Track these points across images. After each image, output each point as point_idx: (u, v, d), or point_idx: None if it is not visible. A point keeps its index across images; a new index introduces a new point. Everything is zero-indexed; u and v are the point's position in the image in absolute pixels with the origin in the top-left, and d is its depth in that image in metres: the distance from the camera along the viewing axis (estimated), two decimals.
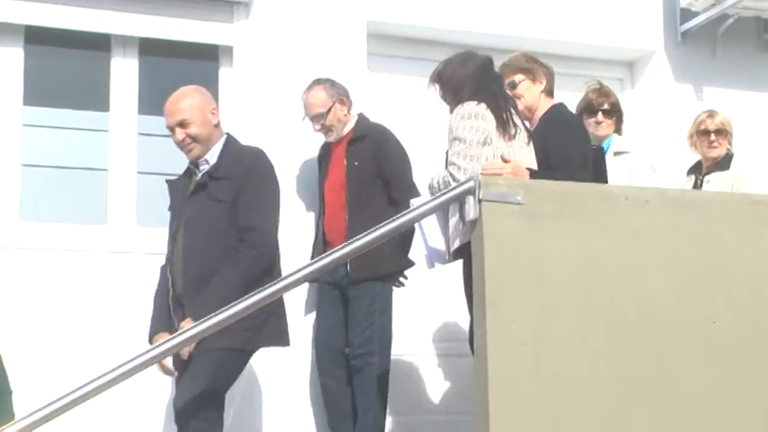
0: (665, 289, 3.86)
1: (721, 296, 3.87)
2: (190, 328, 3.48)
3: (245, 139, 5.43)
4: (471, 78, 4.29)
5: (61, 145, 5.46)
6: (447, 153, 4.25)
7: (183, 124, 4.19)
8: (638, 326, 3.81)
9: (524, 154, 4.25)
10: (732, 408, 3.82)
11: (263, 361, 4.81)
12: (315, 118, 5.11)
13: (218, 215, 4.11)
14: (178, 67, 5.66)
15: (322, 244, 5.08)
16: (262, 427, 5.18)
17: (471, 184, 3.73)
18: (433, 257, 4.39)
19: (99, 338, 4.95)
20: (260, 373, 5.14)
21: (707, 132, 5.30)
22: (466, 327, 5.08)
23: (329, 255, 3.67)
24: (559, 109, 4.62)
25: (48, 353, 4.93)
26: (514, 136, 4.21)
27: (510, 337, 3.67)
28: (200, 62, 5.70)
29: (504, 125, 4.19)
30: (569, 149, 4.44)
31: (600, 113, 5.12)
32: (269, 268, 4.10)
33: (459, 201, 3.85)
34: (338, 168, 5.08)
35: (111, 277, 5.10)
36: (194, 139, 4.20)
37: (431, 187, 4.29)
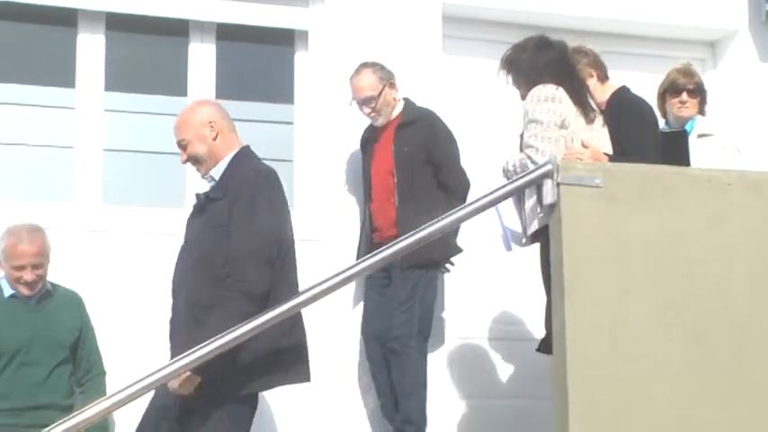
0: (744, 273, 3.85)
1: None
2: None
3: (320, 124, 5.58)
4: (551, 64, 4.27)
5: (142, 130, 5.56)
6: (521, 137, 4.25)
7: (181, 145, 4.01)
8: (716, 310, 3.81)
9: (601, 138, 4.24)
10: None
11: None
12: (364, 101, 5.09)
13: (212, 242, 3.85)
14: (255, 51, 5.75)
15: (369, 230, 5.08)
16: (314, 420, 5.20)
17: (549, 167, 3.78)
18: (511, 240, 4.41)
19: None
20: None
21: None
22: (530, 311, 5.12)
23: (392, 246, 3.70)
24: (624, 94, 4.62)
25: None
26: (593, 120, 4.21)
27: (588, 320, 3.70)
28: (275, 47, 5.74)
29: (584, 109, 4.20)
30: (640, 134, 4.45)
31: (684, 93, 5.06)
32: (262, 299, 3.74)
33: (537, 184, 3.88)
34: (386, 153, 5.06)
35: None
36: (194, 159, 3.99)
37: (506, 171, 4.26)
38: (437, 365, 5.35)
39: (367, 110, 5.11)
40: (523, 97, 4.29)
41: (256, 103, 5.70)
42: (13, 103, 5.44)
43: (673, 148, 4.56)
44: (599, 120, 4.26)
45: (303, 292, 3.67)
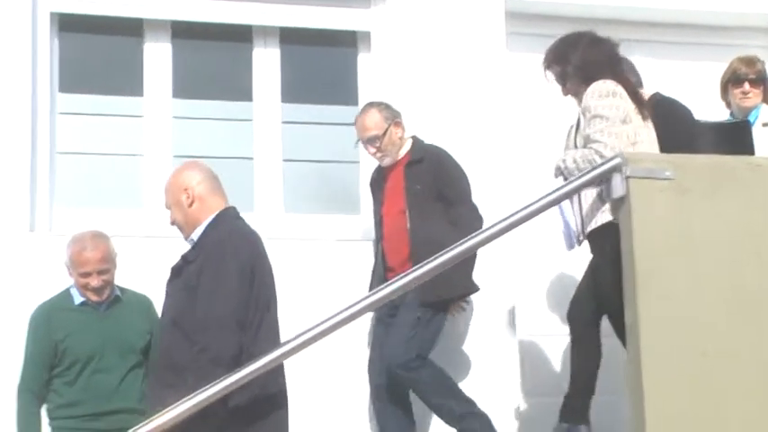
0: None
1: None
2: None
3: None
4: (605, 60, 4.33)
5: (209, 136, 5.64)
6: (574, 133, 4.28)
7: (167, 207, 4.12)
8: None
9: (651, 133, 4.31)
10: None
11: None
12: (369, 141, 5.02)
13: (185, 304, 3.86)
14: (318, 54, 5.80)
15: (382, 270, 5.01)
16: None
17: (618, 161, 3.76)
18: (573, 238, 4.45)
19: None
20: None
21: None
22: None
23: (398, 279, 3.65)
24: (656, 97, 4.69)
25: None
26: (647, 117, 4.28)
27: (661, 313, 3.70)
28: (338, 49, 5.80)
29: (640, 106, 4.26)
30: (682, 132, 4.50)
31: (746, 83, 5.05)
32: (232, 363, 3.64)
33: (605, 178, 3.84)
34: (397, 193, 4.99)
35: None
36: (175, 224, 4.09)
37: (563, 169, 4.31)
38: (507, 362, 5.39)
39: (372, 150, 5.05)
40: (570, 92, 4.36)
41: (321, 106, 5.75)
42: (84, 113, 5.53)
43: (736, 139, 4.59)
44: (649, 118, 4.32)
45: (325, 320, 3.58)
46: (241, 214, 5.17)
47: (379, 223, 5.10)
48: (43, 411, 4.48)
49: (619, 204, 3.81)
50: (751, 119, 5.03)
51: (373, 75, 5.73)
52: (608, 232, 4.05)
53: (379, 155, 5.06)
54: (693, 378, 3.69)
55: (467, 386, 5.04)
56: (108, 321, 4.59)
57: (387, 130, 5.00)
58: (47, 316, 4.46)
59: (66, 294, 4.56)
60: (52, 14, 5.39)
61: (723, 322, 3.76)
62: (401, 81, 5.56)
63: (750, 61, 5.16)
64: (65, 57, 5.46)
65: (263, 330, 3.82)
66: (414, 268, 3.68)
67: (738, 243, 3.82)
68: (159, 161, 5.50)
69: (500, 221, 3.73)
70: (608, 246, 4.08)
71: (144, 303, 4.75)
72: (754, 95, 5.09)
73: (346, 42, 5.78)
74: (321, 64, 5.82)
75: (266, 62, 5.68)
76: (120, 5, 5.47)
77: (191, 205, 4.01)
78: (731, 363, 3.74)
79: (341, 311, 3.60)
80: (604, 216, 4.17)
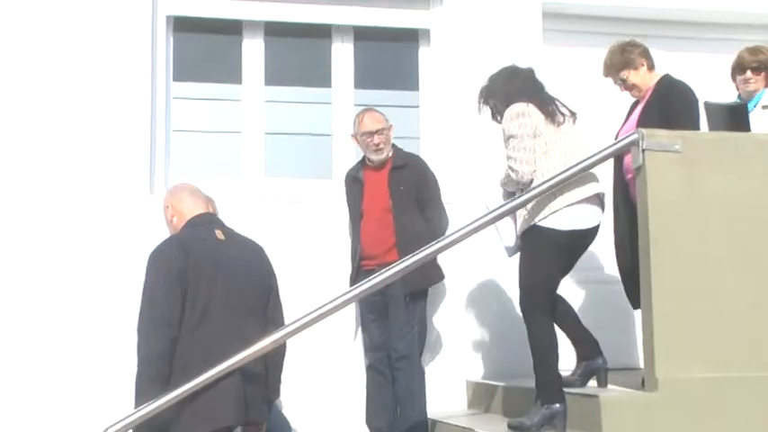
0: None
1: None
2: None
3: (442, 107, 5.73)
4: (520, 87, 4.32)
5: (296, 116, 5.82)
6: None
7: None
8: None
9: (572, 137, 4.27)
10: None
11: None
12: (379, 132, 5.04)
13: None
14: (386, 48, 5.93)
15: (360, 259, 5.01)
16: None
17: (635, 136, 3.98)
18: (509, 250, 4.42)
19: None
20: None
21: None
22: None
23: (392, 268, 3.86)
24: (668, 79, 4.63)
25: None
26: (563, 122, 4.24)
27: (672, 263, 3.95)
28: (403, 44, 5.91)
29: (551, 117, 4.21)
30: (683, 110, 4.47)
31: (748, 71, 5.02)
32: (162, 358, 3.57)
33: (626, 150, 4.11)
34: (382, 193, 5.00)
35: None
36: None
37: (501, 182, 4.38)
38: (465, 341, 5.49)
39: (378, 140, 5.03)
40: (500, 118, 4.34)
41: (388, 91, 5.87)
42: (193, 98, 5.71)
43: (733, 119, 4.60)
44: (569, 123, 4.27)
45: (313, 311, 3.75)
46: (327, 181, 5.33)
47: (357, 216, 5.10)
48: None
49: (637, 173, 4.02)
50: (750, 105, 4.98)
51: (432, 65, 5.85)
52: (530, 235, 4.18)
53: (382, 145, 5.06)
54: (699, 316, 3.93)
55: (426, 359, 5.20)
56: None
57: (390, 127, 5.12)
58: None
59: None
60: (168, 17, 5.59)
61: (726, 270, 4.00)
62: (457, 70, 5.66)
63: (754, 50, 5.10)
64: (178, 52, 5.67)
65: (204, 329, 3.62)
66: (403, 259, 3.89)
67: (737, 206, 4.06)
68: (253, 137, 5.71)
69: (472, 222, 3.96)
70: (529, 243, 4.19)
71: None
72: (756, 81, 5.05)
73: (410, 38, 5.90)
74: (388, 56, 5.94)
75: (343, 55, 5.85)
76: (223, 9, 5.65)
77: (172, 219, 3.98)
78: (733, 303, 3.97)
79: (337, 297, 3.75)
80: (527, 222, 4.20)
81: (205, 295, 3.66)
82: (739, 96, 5.14)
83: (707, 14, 6.06)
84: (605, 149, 4.08)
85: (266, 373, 3.80)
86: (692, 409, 3.87)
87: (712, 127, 4.62)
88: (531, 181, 4.18)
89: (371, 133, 5.07)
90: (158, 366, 3.57)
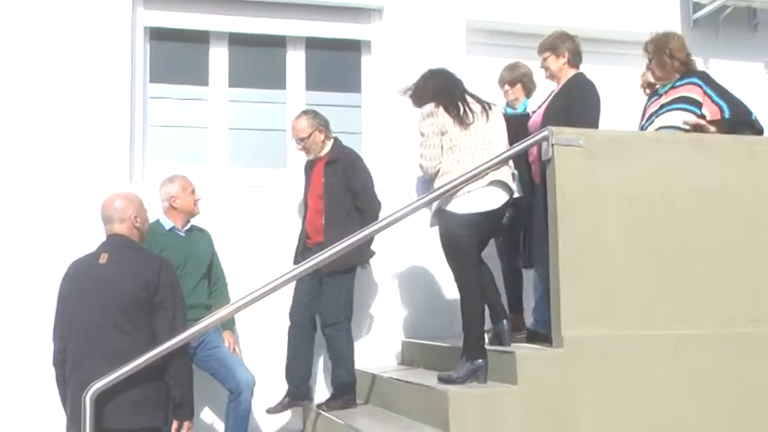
0: (683, 203, 4.09)
1: (717, 207, 4.12)
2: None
3: (380, 107, 5.62)
4: (433, 88, 4.17)
5: (254, 114, 5.65)
6: None
7: None
8: (665, 228, 4.06)
9: (481, 133, 4.12)
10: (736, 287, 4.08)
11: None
12: (297, 141, 4.93)
13: None
14: (333, 56, 5.80)
15: (305, 237, 4.95)
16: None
17: (546, 132, 3.94)
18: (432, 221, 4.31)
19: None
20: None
21: None
22: None
23: (328, 251, 3.79)
24: (579, 77, 4.49)
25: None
26: (472, 122, 4.09)
27: (575, 238, 3.94)
28: (348, 52, 5.82)
29: (459, 118, 4.07)
30: (588, 105, 4.38)
31: (506, 85, 5.06)
32: (60, 362, 3.60)
33: (538, 144, 4.04)
34: (317, 182, 4.88)
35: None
36: None
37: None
38: (393, 308, 5.41)
39: (299, 147, 4.96)
40: None
41: (335, 93, 5.77)
42: (167, 97, 5.55)
43: (520, 125, 4.56)
44: (481, 120, 4.11)
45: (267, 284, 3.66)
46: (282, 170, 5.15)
47: (305, 200, 5.02)
48: None
49: (547, 164, 3.99)
50: (520, 110, 5.02)
51: (372, 71, 5.82)
52: (440, 218, 4.10)
53: (303, 151, 4.98)
54: (597, 283, 3.91)
55: (357, 321, 5.02)
56: (187, 242, 4.69)
57: (311, 134, 4.89)
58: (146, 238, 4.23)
59: (156, 224, 4.60)
60: (145, 28, 5.51)
61: (620, 245, 3.97)
62: (392, 76, 5.54)
63: (512, 68, 5.04)
64: (154, 58, 5.54)
65: (74, 341, 3.54)
66: (340, 242, 3.82)
67: (630, 192, 4.05)
68: (219, 132, 5.63)
69: (400, 209, 3.90)
70: (440, 225, 4.11)
71: (207, 234, 4.85)
72: (513, 93, 5.03)
73: (353, 48, 5.85)
74: (335, 63, 5.84)
75: (295, 62, 5.77)
76: (194, 21, 5.56)
77: (142, 226, 3.82)
78: (626, 273, 3.96)
79: (284, 275, 3.67)
80: (437, 205, 4.08)
81: (79, 315, 3.57)
82: (507, 105, 5.08)
83: (612, 33, 6.08)
84: (521, 143, 4.03)
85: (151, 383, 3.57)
86: (593, 363, 3.89)
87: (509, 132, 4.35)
88: (438, 172, 4.07)
89: (294, 140, 5.01)
90: (59, 370, 3.66)
